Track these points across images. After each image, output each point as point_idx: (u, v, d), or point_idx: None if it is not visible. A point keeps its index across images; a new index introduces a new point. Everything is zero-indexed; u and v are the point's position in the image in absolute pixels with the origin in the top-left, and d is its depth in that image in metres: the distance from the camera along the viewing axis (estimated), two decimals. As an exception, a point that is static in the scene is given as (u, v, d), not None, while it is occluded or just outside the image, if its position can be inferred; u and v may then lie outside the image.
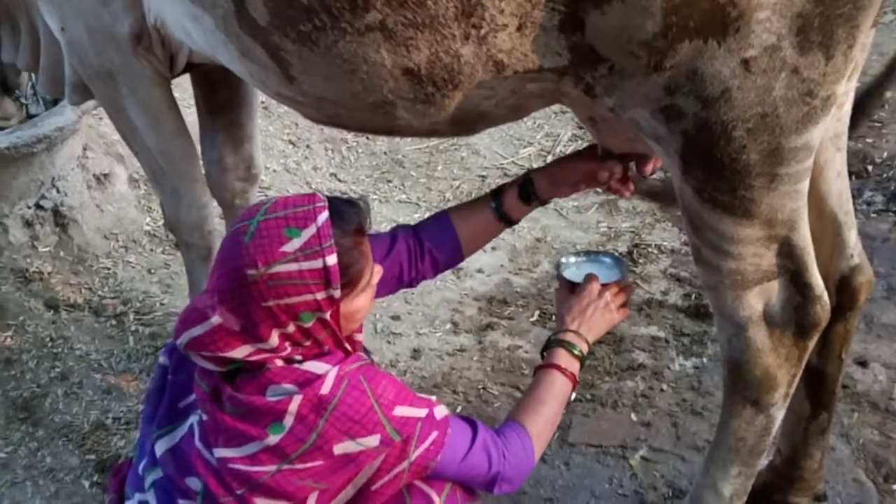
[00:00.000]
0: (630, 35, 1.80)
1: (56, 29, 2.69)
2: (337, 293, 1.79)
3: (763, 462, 2.64)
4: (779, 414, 2.29)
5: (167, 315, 3.74)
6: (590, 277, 2.28)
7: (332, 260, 1.77)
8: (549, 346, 2.22)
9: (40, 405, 3.24)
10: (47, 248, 3.92)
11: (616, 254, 2.44)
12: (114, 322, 3.68)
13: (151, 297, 3.85)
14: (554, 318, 3.70)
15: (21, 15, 3.00)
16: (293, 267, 1.75)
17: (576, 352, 2.18)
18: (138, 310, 3.75)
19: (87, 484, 2.94)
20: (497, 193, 2.41)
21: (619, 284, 2.30)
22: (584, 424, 3.16)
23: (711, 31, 1.76)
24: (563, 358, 2.17)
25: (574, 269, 2.36)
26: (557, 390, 2.14)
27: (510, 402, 3.30)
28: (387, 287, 2.29)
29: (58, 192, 3.93)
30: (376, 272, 1.95)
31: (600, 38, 1.84)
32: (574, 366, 2.17)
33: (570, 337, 2.20)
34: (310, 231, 1.77)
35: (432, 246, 2.35)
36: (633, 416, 3.23)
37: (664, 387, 3.36)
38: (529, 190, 2.39)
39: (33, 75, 3.48)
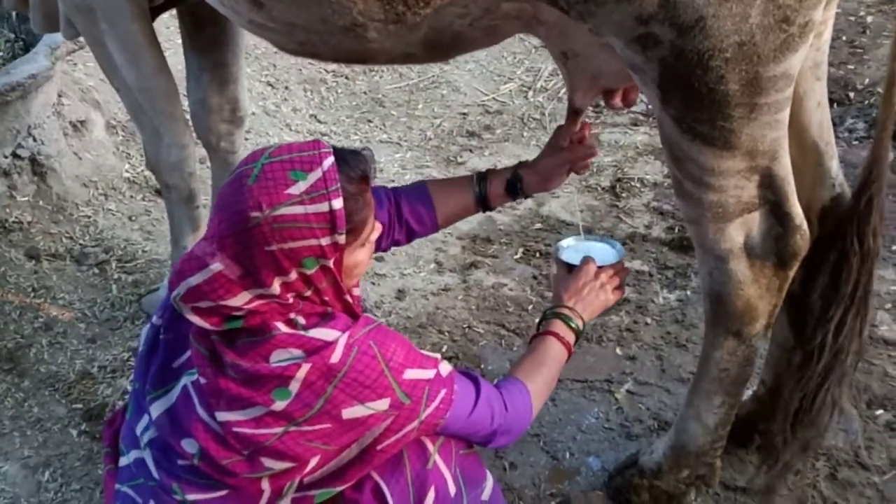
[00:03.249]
0: None
1: None
2: (342, 239, 1.76)
3: (747, 392, 2.66)
4: (760, 344, 2.31)
5: (149, 262, 3.72)
6: (586, 260, 2.30)
7: (337, 204, 1.73)
8: (545, 318, 2.24)
9: (25, 356, 3.24)
10: (26, 198, 3.89)
11: (612, 238, 2.48)
12: (96, 270, 3.67)
13: (133, 244, 3.82)
14: (539, 255, 3.73)
15: None
16: (299, 210, 1.72)
17: (572, 324, 2.20)
18: (120, 258, 3.74)
19: (74, 433, 2.94)
20: (482, 179, 2.43)
21: (614, 267, 2.32)
22: (570, 360, 3.15)
23: None
24: (559, 327, 2.19)
25: (571, 253, 2.38)
26: (555, 355, 2.16)
27: (495, 341, 3.31)
28: None
29: (34, 140, 3.88)
30: (376, 228, 1.93)
31: None
32: (570, 337, 2.19)
33: (566, 311, 2.22)
34: (316, 174, 1.74)
35: (410, 218, 2.37)
36: (618, 351, 3.24)
37: (648, 320, 3.37)
38: (518, 186, 2.43)
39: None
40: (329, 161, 1.76)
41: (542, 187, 2.51)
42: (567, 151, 2.47)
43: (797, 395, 2.35)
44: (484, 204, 2.45)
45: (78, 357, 3.25)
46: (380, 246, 2.34)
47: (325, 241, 1.74)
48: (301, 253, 1.74)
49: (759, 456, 2.57)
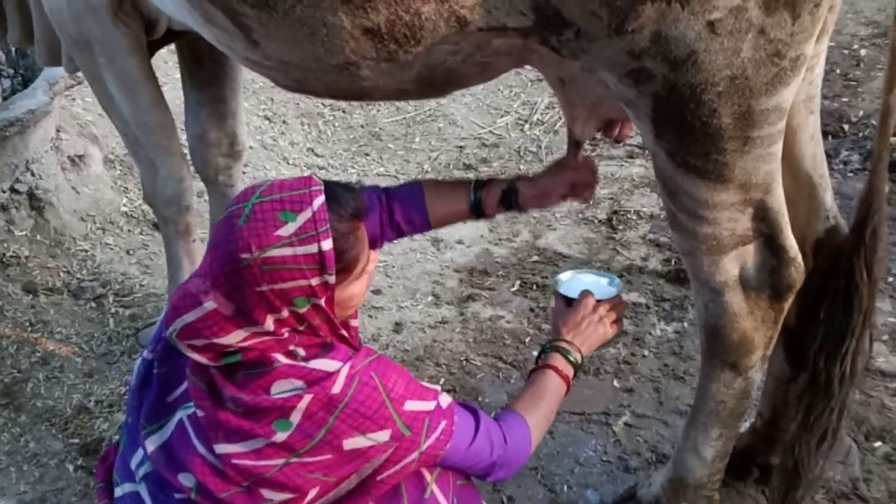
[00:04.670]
0: None
1: None
2: (332, 279, 1.76)
3: (744, 424, 2.66)
4: (757, 376, 2.30)
5: (147, 296, 3.72)
6: (585, 293, 2.30)
7: (327, 245, 1.73)
8: (544, 351, 2.23)
9: (22, 390, 3.23)
10: (24, 232, 3.90)
11: (611, 272, 2.48)
12: (93, 305, 3.67)
13: (130, 278, 3.83)
14: (536, 287, 3.74)
15: None
16: (288, 251, 1.72)
17: (571, 358, 2.20)
18: (117, 291, 3.74)
19: (71, 468, 2.94)
20: (478, 187, 2.42)
21: (612, 301, 2.32)
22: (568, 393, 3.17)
23: None
24: (559, 361, 2.19)
25: (569, 286, 2.38)
26: (554, 389, 2.15)
27: (493, 373, 3.31)
28: None
29: (32, 175, 3.89)
30: (372, 259, 1.92)
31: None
32: (569, 370, 2.19)
33: (565, 345, 2.22)
34: (305, 215, 1.73)
35: (402, 221, 2.36)
36: (616, 383, 3.24)
37: (646, 353, 3.37)
38: (513, 199, 2.42)
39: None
40: (319, 200, 1.75)
41: (537, 203, 2.49)
42: (568, 171, 2.47)
43: (816, 430, 2.34)
44: (479, 213, 2.44)
45: (75, 392, 3.24)
46: (372, 246, 2.34)
47: (314, 282, 1.74)
48: (291, 293, 1.74)
49: (773, 493, 2.55)
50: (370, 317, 3.62)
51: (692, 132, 1.92)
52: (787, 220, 2.14)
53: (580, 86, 2.21)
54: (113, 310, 3.64)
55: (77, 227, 4.02)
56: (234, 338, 1.76)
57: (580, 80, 2.20)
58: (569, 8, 1.84)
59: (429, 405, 1.87)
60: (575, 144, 2.45)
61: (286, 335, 1.79)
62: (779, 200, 2.10)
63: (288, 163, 4.77)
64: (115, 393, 3.22)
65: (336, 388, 1.77)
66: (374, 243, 2.32)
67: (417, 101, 5.30)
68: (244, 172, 4.37)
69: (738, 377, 2.28)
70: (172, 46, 3.12)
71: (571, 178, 2.47)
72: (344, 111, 5.24)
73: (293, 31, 2.07)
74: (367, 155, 4.92)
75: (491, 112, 5.28)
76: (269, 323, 1.76)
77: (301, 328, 1.80)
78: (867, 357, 2.32)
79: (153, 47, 2.84)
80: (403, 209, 2.36)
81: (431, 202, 2.38)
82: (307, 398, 1.76)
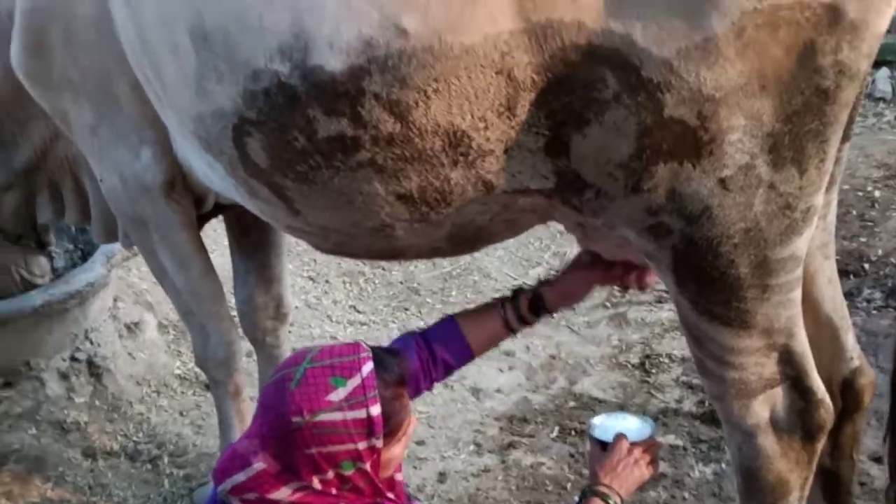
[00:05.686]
0: (608, 157, 1.92)
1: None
2: (379, 443, 1.84)
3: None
4: (796, 517, 2.33)
5: (200, 456, 3.82)
6: (619, 437, 2.33)
7: (375, 410, 1.82)
8: (584, 496, 2.26)
9: (83, 554, 3.31)
10: (83, 399, 4.02)
11: (646, 415, 2.54)
12: (149, 466, 3.77)
13: (184, 439, 3.94)
14: (575, 433, 3.81)
15: (65, 176, 3.20)
16: (338, 416, 1.80)
17: (610, 502, 2.22)
18: (172, 452, 3.85)
19: None
20: (505, 304, 2.49)
21: (646, 443, 2.35)
22: (612, 537, 3.20)
23: (685, 154, 1.88)
24: None
25: (603, 430, 2.41)
26: None
27: (537, 520, 3.36)
28: None
29: (91, 343, 4.07)
30: (412, 422, 2.00)
31: (583, 161, 1.96)
32: None
33: (603, 489, 2.24)
34: (355, 381, 1.83)
35: (445, 354, 2.41)
36: (659, 526, 3.28)
37: (686, 495, 3.41)
38: (540, 305, 2.49)
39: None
40: (368, 367, 1.85)
41: (564, 303, 2.56)
42: (584, 269, 2.53)
43: None
44: (513, 329, 2.49)
45: (133, 553, 3.32)
46: (420, 389, 2.38)
47: (361, 446, 1.83)
48: (339, 456, 1.82)
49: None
50: (414, 468, 3.69)
51: (712, 282, 2.02)
52: (812, 363, 2.20)
53: (602, 232, 2.27)
54: (168, 471, 3.74)
55: (133, 392, 4.15)
56: (283, 493, 1.85)
57: (600, 229, 2.29)
58: (587, 170, 1.98)
59: None
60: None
61: (334, 492, 1.87)
62: (802, 344, 2.17)
63: (331, 320, 4.92)
64: (173, 553, 3.31)
65: None
66: (420, 387, 2.37)
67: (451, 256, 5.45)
68: (290, 332, 4.52)
69: (777, 519, 2.30)
70: (222, 217, 3.31)
71: (593, 276, 2.54)
72: (383, 269, 5.40)
73: (332, 200, 2.22)
74: (406, 310, 5.06)
75: (523, 264, 5.43)
76: (316, 483, 1.84)
77: (345, 488, 1.87)
78: None
79: (202, 220, 3.02)
80: (444, 346, 2.41)
81: (468, 331, 2.44)
82: None
